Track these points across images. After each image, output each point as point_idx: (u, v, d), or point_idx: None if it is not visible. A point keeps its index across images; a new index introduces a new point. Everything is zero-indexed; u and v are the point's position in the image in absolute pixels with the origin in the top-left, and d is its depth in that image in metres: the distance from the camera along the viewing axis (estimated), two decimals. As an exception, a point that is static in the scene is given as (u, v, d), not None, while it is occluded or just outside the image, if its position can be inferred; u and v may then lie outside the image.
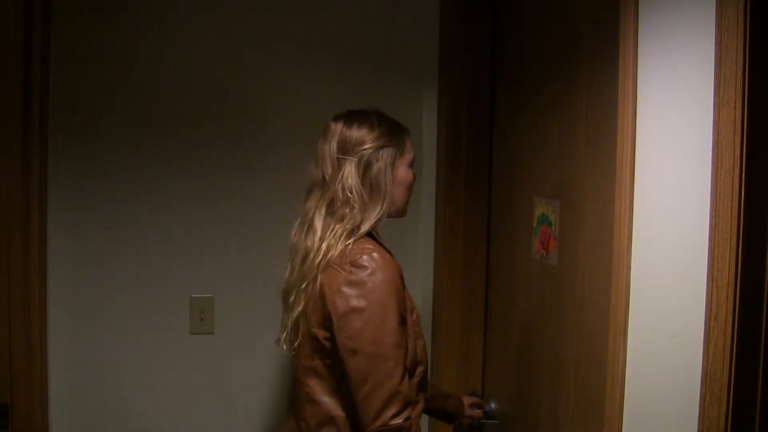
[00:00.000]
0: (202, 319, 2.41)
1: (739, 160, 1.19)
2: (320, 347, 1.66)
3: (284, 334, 1.74)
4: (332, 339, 1.64)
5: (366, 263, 1.61)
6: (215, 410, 2.43)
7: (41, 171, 2.16)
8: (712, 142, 1.24)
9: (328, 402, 1.66)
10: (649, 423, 1.48)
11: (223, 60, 2.37)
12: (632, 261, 1.52)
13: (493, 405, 2.32)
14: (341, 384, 1.66)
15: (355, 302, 1.59)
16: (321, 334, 1.65)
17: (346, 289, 1.60)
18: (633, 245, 1.52)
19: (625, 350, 1.54)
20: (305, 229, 1.73)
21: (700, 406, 1.26)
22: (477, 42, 2.40)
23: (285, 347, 1.75)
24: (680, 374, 1.35)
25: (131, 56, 2.32)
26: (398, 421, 1.56)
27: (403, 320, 1.65)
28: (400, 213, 1.79)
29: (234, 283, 2.43)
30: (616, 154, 1.54)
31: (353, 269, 1.61)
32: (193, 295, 2.40)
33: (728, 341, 1.21)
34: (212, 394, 2.42)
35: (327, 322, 1.64)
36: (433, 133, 2.50)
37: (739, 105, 1.19)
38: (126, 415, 2.38)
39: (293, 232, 1.78)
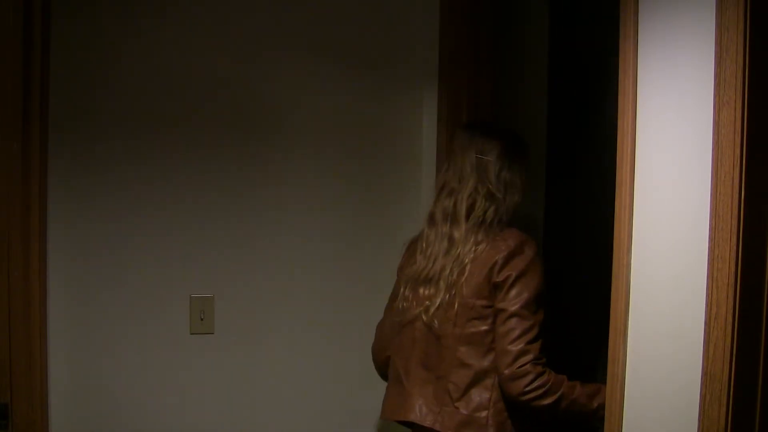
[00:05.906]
0: (202, 319, 2.40)
1: (739, 160, 1.19)
2: (477, 315, 1.92)
3: (431, 309, 1.98)
4: (490, 306, 1.91)
5: (518, 240, 1.93)
6: (215, 410, 2.43)
7: (41, 170, 2.15)
8: (712, 142, 1.24)
9: (478, 364, 1.92)
10: (649, 423, 1.47)
11: (223, 60, 2.37)
12: (632, 261, 1.52)
13: None
14: (490, 348, 1.91)
15: (515, 271, 1.89)
16: (480, 303, 1.92)
17: (507, 262, 1.90)
18: (633, 245, 1.52)
19: (625, 350, 1.54)
20: (448, 223, 2.00)
21: (700, 406, 1.26)
22: (477, 43, 2.39)
23: (436, 321, 1.97)
24: (680, 374, 1.35)
25: (132, 54, 2.31)
26: (534, 365, 1.84)
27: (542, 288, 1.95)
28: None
29: (234, 283, 2.42)
30: (616, 153, 1.54)
31: (509, 244, 1.92)
32: (193, 295, 2.40)
33: (728, 341, 1.20)
34: (212, 394, 2.42)
35: (487, 292, 1.91)
36: (433, 133, 2.50)
37: (739, 105, 1.19)
38: (126, 415, 2.37)
39: (427, 225, 2.06)
